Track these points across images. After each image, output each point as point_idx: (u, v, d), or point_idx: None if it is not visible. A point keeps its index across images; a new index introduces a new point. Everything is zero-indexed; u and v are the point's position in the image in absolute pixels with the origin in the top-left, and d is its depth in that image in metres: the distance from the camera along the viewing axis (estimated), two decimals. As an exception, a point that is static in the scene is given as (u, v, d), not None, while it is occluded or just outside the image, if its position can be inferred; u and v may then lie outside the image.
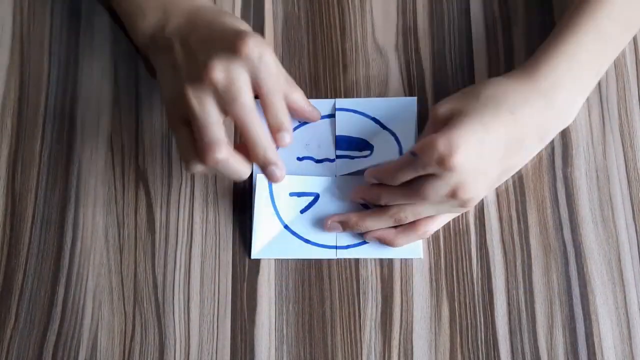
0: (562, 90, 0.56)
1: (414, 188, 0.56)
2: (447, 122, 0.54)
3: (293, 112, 0.61)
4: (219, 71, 0.53)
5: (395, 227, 0.59)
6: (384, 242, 0.60)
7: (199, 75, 0.53)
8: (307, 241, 0.61)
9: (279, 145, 0.57)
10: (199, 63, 0.54)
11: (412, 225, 0.59)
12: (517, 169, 0.59)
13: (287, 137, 0.57)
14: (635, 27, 0.60)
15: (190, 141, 0.55)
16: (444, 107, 0.56)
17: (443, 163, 0.52)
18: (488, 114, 0.54)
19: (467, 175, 0.53)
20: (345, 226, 0.60)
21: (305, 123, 0.64)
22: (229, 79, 0.53)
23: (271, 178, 0.56)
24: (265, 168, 0.56)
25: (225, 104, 0.54)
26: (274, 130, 0.56)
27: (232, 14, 0.60)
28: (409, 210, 0.58)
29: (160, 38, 0.58)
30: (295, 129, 0.63)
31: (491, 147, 0.54)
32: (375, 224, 0.59)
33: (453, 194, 0.54)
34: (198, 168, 0.55)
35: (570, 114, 0.58)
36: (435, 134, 0.53)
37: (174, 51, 0.56)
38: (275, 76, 0.55)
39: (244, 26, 0.57)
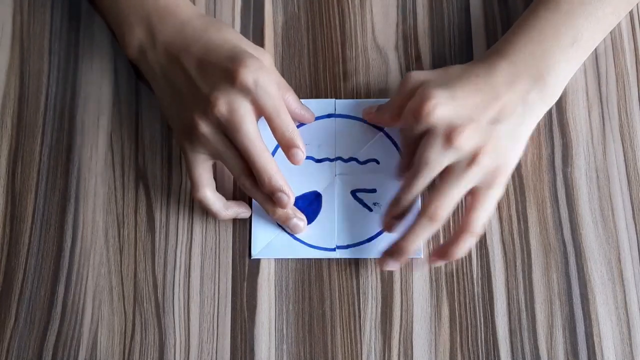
0: (525, 54, 0.57)
1: (415, 161, 0.56)
2: (417, 89, 0.57)
3: None
4: (222, 104, 0.55)
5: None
6: (444, 258, 0.58)
7: (205, 109, 0.56)
8: (306, 244, 0.61)
9: (293, 163, 0.58)
10: (203, 95, 0.56)
11: (460, 227, 0.57)
12: (512, 123, 0.56)
13: (300, 153, 0.58)
14: None
15: (207, 169, 0.59)
16: (416, 74, 0.59)
17: (419, 112, 0.55)
18: (455, 79, 0.57)
19: (452, 120, 0.55)
20: (397, 256, 0.58)
21: (303, 123, 0.64)
22: (231, 110, 0.55)
23: (278, 204, 0.58)
24: (272, 195, 0.58)
25: (230, 135, 0.56)
26: (285, 149, 0.58)
27: (219, 23, 0.60)
28: (435, 199, 0.55)
29: (150, 55, 0.59)
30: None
31: (464, 98, 0.56)
32: (419, 234, 0.57)
33: (448, 140, 0.54)
34: (207, 194, 0.59)
35: (543, 77, 0.57)
36: None
37: (171, 74, 0.58)
38: (276, 96, 0.57)
39: (233, 38, 0.58)
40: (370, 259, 0.61)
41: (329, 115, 0.64)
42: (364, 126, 0.63)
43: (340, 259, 0.61)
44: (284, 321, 0.60)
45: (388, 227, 0.60)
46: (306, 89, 0.65)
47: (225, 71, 0.56)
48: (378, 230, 0.61)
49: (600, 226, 0.61)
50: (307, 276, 0.61)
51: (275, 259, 0.61)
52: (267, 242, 0.61)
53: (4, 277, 0.61)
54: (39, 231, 0.62)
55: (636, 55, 0.65)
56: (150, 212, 0.62)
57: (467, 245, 0.57)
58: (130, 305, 0.60)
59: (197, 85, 0.57)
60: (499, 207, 0.61)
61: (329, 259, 0.61)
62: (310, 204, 0.62)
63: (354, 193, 0.62)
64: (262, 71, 0.56)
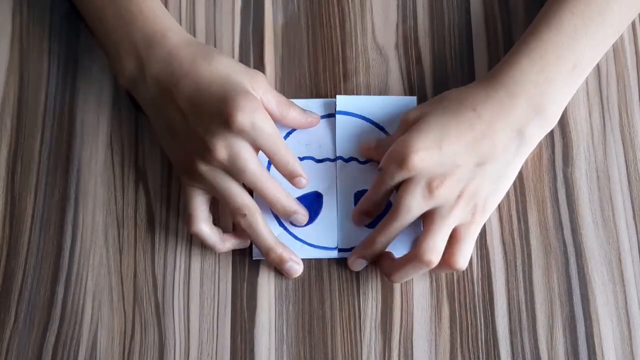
0: (526, 82, 0.56)
1: (394, 205, 0.56)
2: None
3: (292, 127, 0.62)
4: (221, 150, 0.56)
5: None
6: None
7: (204, 154, 0.56)
8: (307, 244, 0.61)
9: (298, 188, 0.60)
10: (199, 137, 0.56)
11: (444, 261, 0.57)
12: (500, 162, 0.56)
13: (303, 180, 0.60)
14: (604, 18, 0.57)
15: (204, 203, 0.59)
16: (412, 113, 0.59)
17: (402, 162, 0.55)
18: (449, 114, 0.56)
19: (435, 169, 0.55)
20: (380, 268, 0.60)
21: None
22: (233, 155, 0.56)
23: (296, 222, 0.61)
24: (288, 217, 0.60)
25: (236, 176, 0.57)
26: (289, 179, 0.60)
27: (207, 52, 0.59)
28: (425, 244, 0.55)
29: (141, 88, 0.59)
30: (293, 131, 0.63)
31: (452, 142, 0.55)
32: (410, 273, 0.57)
33: (430, 190, 0.55)
34: (203, 228, 0.59)
35: (544, 107, 0.56)
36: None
37: (163, 110, 0.58)
38: (273, 134, 0.57)
39: (224, 69, 0.58)
40: (371, 259, 0.61)
41: (329, 115, 0.64)
42: (364, 124, 0.63)
43: (340, 259, 0.61)
44: (284, 322, 0.60)
45: (355, 266, 0.60)
46: (306, 89, 0.65)
47: (219, 114, 0.55)
48: None
49: (600, 226, 0.61)
50: (307, 276, 0.61)
51: (275, 259, 0.61)
52: None
53: (4, 277, 0.61)
54: (39, 231, 0.62)
55: (637, 55, 0.65)
56: (150, 212, 0.62)
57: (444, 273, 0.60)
58: (130, 306, 0.60)
59: (192, 126, 0.57)
60: (499, 207, 0.61)
61: (329, 259, 0.61)
62: (311, 204, 0.62)
63: (355, 194, 0.62)
64: (258, 112, 0.56)
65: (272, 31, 0.67)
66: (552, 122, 0.57)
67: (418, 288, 0.60)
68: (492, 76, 0.58)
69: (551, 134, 0.63)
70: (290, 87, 0.65)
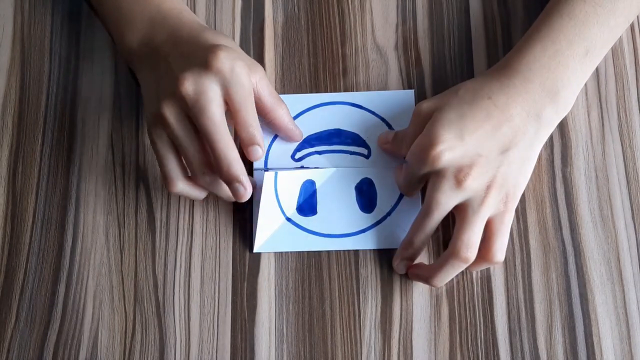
0: (539, 68, 0.57)
1: (425, 202, 0.56)
2: (429, 119, 0.57)
3: (276, 129, 0.62)
4: (188, 84, 0.54)
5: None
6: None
7: (173, 90, 0.54)
8: (310, 232, 0.61)
9: (251, 160, 0.58)
10: (173, 76, 0.55)
11: (482, 257, 0.57)
12: (522, 147, 0.56)
13: (259, 151, 0.57)
14: (615, 5, 0.58)
15: (176, 160, 0.57)
16: (426, 104, 0.58)
17: (426, 158, 0.55)
18: (465, 104, 0.56)
19: (460, 161, 0.55)
20: (421, 281, 0.59)
21: (304, 112, 0.64)
22: (198, 91, 0.54)
23: (235, 195, 0.57)
24: (229, 184, 0.56)
25: (194, 117, 0.54)
26: (245, 144, 0.57)
27: (215, 30, 0.60)
28: (460, 240, 0.55)
29: (145, 52, 0.59)
30: (294, 118, 0.63)
31: (472, 132, 0.55)
32: (449, 273, 0.57)
33: (458, 182, 0.55)
34: (181, 187, 0.57)
35: (558, 91, 0.56)
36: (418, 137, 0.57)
37: (157, 67, 0.58)
38: (247, 89, 0.55)
39: (225, 40, 0.58)
40: (370, 258, 0.61)
41: (326, 104, 0.64)
42: (365, 114, 0.64)
43: (340, 257, 0.61)
44: (284, 321, 0.60)
45: (400, 269, 0.60)
46: (306, 88, 0.65)
47: (202, 54, 0.55)
48: (379, 218, 0.61)
49: (599, 226, 0.61)
50: (307, 276, 0.61)
51: (275, 258, 0.61)
52: (269, 235, 0.61)
53: (5, 276, 0.61)
54: (40, 231, 0.62)
55: (635, 55, 0.65)
56: (150, 212, 0.63)
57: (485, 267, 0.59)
58: (131, 305, 0.60)
59: (172, 67, 0.56)
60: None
61: (328, 257, 0.61)
62: (311, 197, 0.62)
63: (356, 187, 0.62)
64: (241, 62, 0.55)
65: (272, 30, 0.67)
66: (566, 107, 0.58)
67: (417, 287, 0.60)
68: (505, 64, 0.58)
69: (550, 134, 0.63)
70: (290, 86, 0.65)
